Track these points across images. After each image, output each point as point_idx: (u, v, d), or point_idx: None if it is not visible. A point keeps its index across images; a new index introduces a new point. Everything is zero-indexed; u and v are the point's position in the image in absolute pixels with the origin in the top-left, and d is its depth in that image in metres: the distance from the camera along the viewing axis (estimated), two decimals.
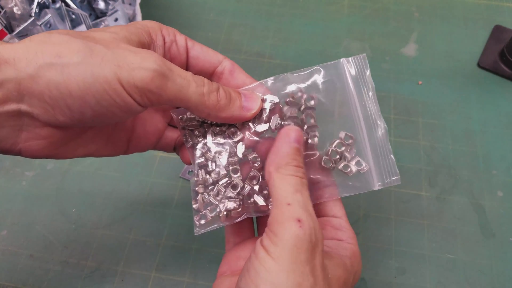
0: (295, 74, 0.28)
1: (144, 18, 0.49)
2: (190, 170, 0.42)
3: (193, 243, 0.38)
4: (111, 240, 0.38)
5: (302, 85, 0.28)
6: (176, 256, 0.38)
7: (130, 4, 0.51)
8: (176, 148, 0.31)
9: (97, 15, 0.51)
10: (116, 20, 0.47)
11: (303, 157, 0.24)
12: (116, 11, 0.46)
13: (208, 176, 0.26)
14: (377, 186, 0.27)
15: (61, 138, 0.24)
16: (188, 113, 0.27)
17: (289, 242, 0.21)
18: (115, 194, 0.41)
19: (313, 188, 0.28)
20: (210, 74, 0.28)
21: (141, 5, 0.49)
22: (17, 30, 0.45)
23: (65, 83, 0.21)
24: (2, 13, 0.46)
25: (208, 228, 0.26)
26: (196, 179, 0.27)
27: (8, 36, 0.39)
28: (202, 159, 0.27)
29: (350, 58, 0.29)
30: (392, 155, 0.28)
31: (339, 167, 0.27)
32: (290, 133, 0.24)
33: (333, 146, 0.27)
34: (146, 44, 0.24)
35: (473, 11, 0.57)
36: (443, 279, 0.37)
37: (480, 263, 0.37)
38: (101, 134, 0.27)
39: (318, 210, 0.28)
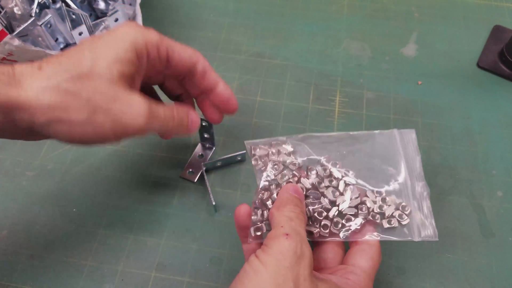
0: (355, 133, 0.35)
1: (144, 18, 0.49)
2: (191, 170, 0.42)
3: (193, 243, 0.38)
4: (111, 240, 0.38)
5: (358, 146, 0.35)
6: (177, 256, 0.38)
7: (130, 4, 0.51)
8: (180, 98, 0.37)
9: (97, 15, 0.51)
10: (116, 20, 0.47)
11: (301, 203, 0.29)
12: (116, 11, 0.46)
13: (269, 197, 0.32)
14: (416, 238, 0.32)
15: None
16: (260, 146, 0.34)
17: (276, 250, 0.25)
18: (115, 194, 0.41)
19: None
20: (185, 75, 0.34)
21: (141, 5, 0.49)
22: (18, 30, 0.45)
23: (71, 134, 0.27)
24: (2, 13, 0.46)
25: (260, 240, 0.31)
26: (259, 196, 0.32)
27: (9, 36, 0.39)
28: (266, 183, 0.32)
29: (401, 131, 0.35)
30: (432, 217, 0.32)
31: (388, 225, 0.32)
32: (289, 187, 0.30)
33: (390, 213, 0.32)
34: (134, 73, 0.29)
35: (472, 11, 0.57)
36: (443, 279, 0.37)
37: (480, 262, 0.38)
38: None
39: (346, 258, 0.31)
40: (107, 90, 0.27)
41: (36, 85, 0.26)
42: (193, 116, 0.33)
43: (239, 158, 0.43)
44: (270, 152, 0.34)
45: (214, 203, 0.39)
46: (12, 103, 0.25)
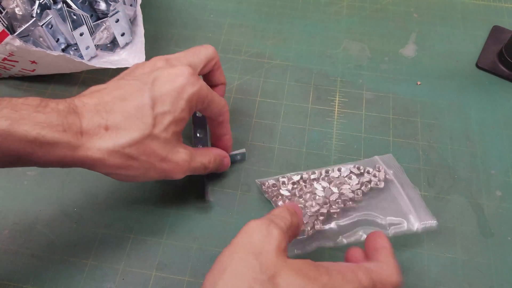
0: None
1: (145, 19, 0.49)
2: None
3: (194, 242, 0.39)
4: (112, 239, 0.39)
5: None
6: (177, 255, 0.38)
7: (131, 5, 0.51)
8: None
9: (98, 16, 0.51)
10: (117, 21, 0.47)
11: (293, 215, 0.29)
12: (117, 12, 0.47)
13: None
14: (416, 227, 0.36)
15: None
16: (268, 182, 0.40)
17: (242, 230, 0.26)
18: (116, 194, 0.41)
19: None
20: (209, 118, 0.38)
21: (142, 6, 0.49)
22: (19, 30, 0.45)
23: (124, 181, 0.33)
24: (3, 13, 0.46)
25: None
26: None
27: (10, 36, 0.39)
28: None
29: (382, 157, 0.42)
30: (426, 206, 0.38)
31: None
32: (286, 205, 0.31)
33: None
34: (184, 125, 0.34)
35: (471, 11, 0.57)
36: (442, 279, 0.37)
37: (479, 262, 0.38)
38: None
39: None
40: (162, 152, 0.31)
41: (103, 148, 0.29)
42: (226, 161, 0.40)
43: (238, 158, 0.43)
44: (280, 183, 0.40)
45: (210, 200, 0.39)
46: (79, 161, 0.29)
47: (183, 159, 0.33)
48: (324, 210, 0.37)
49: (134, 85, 0.31)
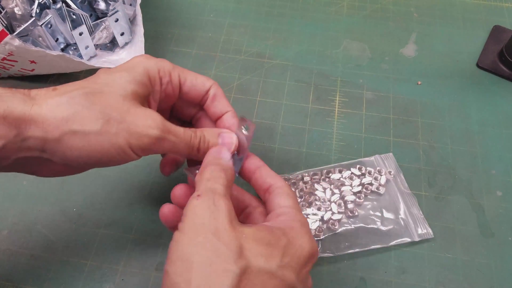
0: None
1: (144, 18, 0.49)
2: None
3: None
4: (111, 240, 0.39)
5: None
6: None
7: (130, 4, 0.51)
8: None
9: (98, 15, 0.51)
10: (116, 20, 0.47)
11: (222, 162, 0.29)
12: (116, 11, 0.47)
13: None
14: (416, 237, 0.38)
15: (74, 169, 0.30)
16: None
17: (189, 213, 0.25)
18: (116, 194, 0.41)
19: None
20: (199, 101, 0.33)
21: (141, 5, 0.49)
22: (18, 30, 0.45)
23: (85, 149, 0.26)
24: (3, 13, 0.46)
25: None
26: None
27: (9, 36, 0.39)
28: None
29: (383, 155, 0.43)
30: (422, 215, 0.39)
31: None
32: (212, 150, 0.30)
33: None
34: (148, 94, 0.30)
35: (472, 11, 0.57)
36: (443, 279, 0.37)
37: (479, 262, 0.38)
38: None
39: (269, 211, 0.30)
40: (120, 104, 0.27)
41: (51, 101, 0.26)
42: (226, 137, 0.31)
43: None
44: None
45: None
46: (26, 117, 0.25)
47: (153, 113, 0.28)
48: (326, 217, 0.38)
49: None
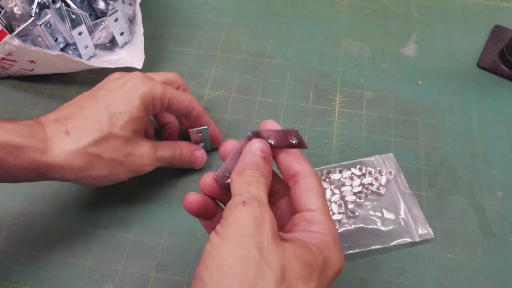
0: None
1: (144, 18, 0.49)
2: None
3: (193, 243, 0.38)
4: (111, 240, 0.38)
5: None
6: (176, 255, 0.38)
7: (130, 4, 0.51)
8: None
9: (97, 15, 0.51)
10: (116, 20, 0.47)
11: (264, 163, 0.27)
12: (116, 11, 0.46)
13: None
14: (417, 238, 0.38)
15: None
16: None
17: (234, 220, 0.23)
18: (115, 194, 0.41)
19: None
20: (184, 116, 0.40)
21: (141, 5, 0.49)
22: (17, 30, 0.45)
23: (95, 184, 0.36)
24: (2, 13, 0.46)
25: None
26: None
27: (8, 36, 0.39)
28: None
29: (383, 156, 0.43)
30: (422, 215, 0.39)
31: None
32: (253, 144, 0.27)
33: None
34: (144, 127, 0.36)
35: (472, 11, 0.57)
36: (443, 279, 0.37)
37: (480, 262, 0.38)
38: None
39: (295, 206, 0.28)
40: (124, 148, 0.34)
41: (66, 150, 0.31)
42: (198, 154, 0.41)
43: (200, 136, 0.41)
44: None
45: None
46: (47, 166, 0.31)
47: (146, 151, 0.36)
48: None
49: (89, 95, 0.35)
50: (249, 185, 0.25)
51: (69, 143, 0.32)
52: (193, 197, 0.28)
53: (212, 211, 0.29)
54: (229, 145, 0.29)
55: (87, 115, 0.33)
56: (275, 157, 0.28)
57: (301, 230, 0.26)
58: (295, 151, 0.28)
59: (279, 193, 0.30)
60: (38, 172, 0.31)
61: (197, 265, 0.23)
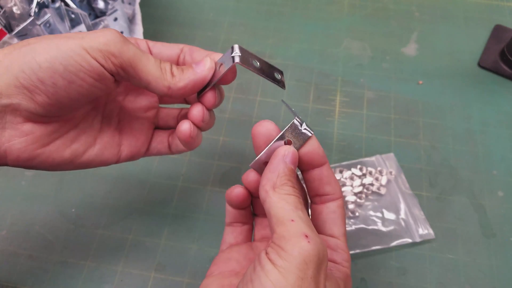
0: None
1: (143, 17, 0.49)
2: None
3: (193, 243, 0.38)
4: (110, 240, 0.38)
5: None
6: (176, 256, 0.38)
7: (129, 3, 0.51)
8: (171, 146, 0.32)
9: (97, 14, 0.51)
10: (115, 19, 0.47)
11: (295, 177, 0.25)
12: (115, 10, 0.46)
13: None
14: (417, 238, 0.38)
15: (44, 134, 0.26)
16: None
17: (299, 257, 0.21)
18: (115, 194, 0.41)
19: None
20: (174, 63, 0.29)
21: (140, 4, 0.49)
22: (17, 29, 0.45)
23: (34, 58, 0.23)
24: (1, 12, 0.46)
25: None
26: None
27: (8, 35, 0.39)
28: None
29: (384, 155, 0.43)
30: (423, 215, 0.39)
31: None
32: (288, 154, 0.25)
33: None
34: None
35: (473, 10, 0.56)
36: (444, 279, 0.37)
37: (481, 263, 0.37)
38: (87, 132, 0.28)
39: (317, 228, 0.27)
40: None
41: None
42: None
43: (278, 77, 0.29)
44: None
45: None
46: None
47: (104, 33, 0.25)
48: None
49: None
50: (296, 208, 0.23)
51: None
52: (239, 190, 0.28)
53: (248, 202, 0.29)
54: (264, 129, 0.26)
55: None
56: (304, 171, 0.27)
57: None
58: (328, 168, 0.27)
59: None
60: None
61: (241, 281, 0.22)
